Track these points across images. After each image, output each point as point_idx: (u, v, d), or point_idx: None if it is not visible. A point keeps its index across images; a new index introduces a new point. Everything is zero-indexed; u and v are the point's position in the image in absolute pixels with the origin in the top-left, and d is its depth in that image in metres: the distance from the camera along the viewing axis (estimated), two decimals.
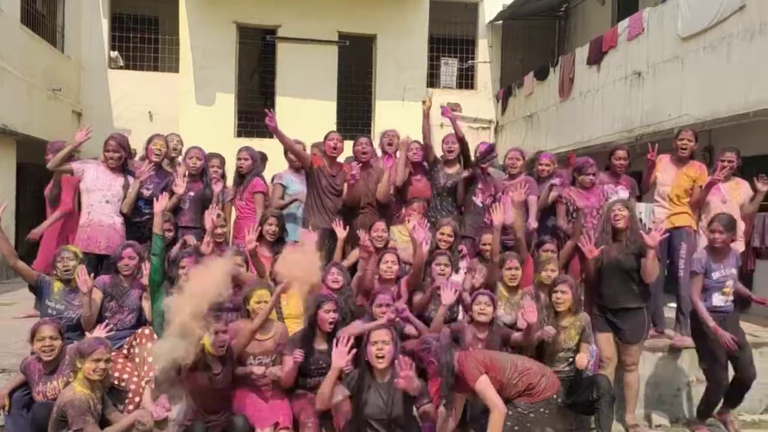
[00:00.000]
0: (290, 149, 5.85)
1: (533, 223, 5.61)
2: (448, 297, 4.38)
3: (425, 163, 6.16)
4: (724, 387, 4.93)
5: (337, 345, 3.82)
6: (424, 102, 5.92)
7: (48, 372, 3.97)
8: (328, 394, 3.71)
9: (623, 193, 5.86)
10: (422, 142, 6.04)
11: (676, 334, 5.77)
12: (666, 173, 5.89)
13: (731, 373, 5.00)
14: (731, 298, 4.87)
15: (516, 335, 4.50)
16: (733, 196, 5.83)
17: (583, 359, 4.51)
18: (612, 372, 5.01)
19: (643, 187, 6.19)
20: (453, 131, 5.96)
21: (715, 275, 4.83)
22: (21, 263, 4.64)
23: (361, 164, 5.80)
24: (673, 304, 6.30)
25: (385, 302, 4.35)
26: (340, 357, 3.72)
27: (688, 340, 5.73)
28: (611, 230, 5.02)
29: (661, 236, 4.83)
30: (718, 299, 4.85)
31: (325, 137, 5.92)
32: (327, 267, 4.93)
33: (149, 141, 5.86)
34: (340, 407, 3.94)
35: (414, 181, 6.08)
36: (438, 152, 6.18)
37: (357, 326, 4.35)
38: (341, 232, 5.41)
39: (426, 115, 5.90)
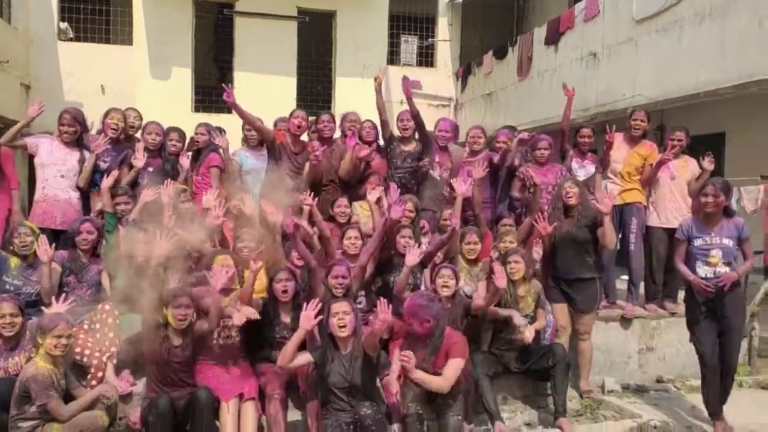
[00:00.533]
0: (251, 125, 5.81)
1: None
2: (411, 258, 4.49)
3: (381, 141, 6.19)
4: (712, 368, 4.66)
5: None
6: (376, 78, 5.92)
7: (9, 348, 3.91)
8: (290, 353, 3.73)
9: (590, 168, 6.08)
10: (379, 119, 6.04)
11: (627, 304, 6.02)
12: (618, 151, 6.11)
13: None
14: (722, 269, 4.52)
15: (477, 301, 4.66)
16: (681, 173, 6.07)
17: (527, 336, 4.61)
18: (566, 341, 5.22)
19: (601, 165, 6.37)
20: (407, 109, 6.03)
21: (697, 242, 4.60)
22: None
23: (323, 143, 5.81)
24: (625, 277, 6.58)
25: (341, 274, 4.39)
26: (307, 320, 3.76)
27: (639, 310, 6.02)
28: (563, 206, 5.19)
29: (610, 200, 5.07)
30: (702, 269, 4.58)
31: (290, 115, 5.90)
32: (288, 244, 4.96)
33: (106, 115, 5.72)
34: (305, 376, 4.01)
35: (373, 162, 6.08)
36: (394, 129, 6.22)
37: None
38: (308, 203, 5.33)
39: (378, 91, 5.91)
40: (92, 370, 4.18)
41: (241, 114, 5.59)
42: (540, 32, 11.51)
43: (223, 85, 5.58)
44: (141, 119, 6.13)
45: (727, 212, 4.64)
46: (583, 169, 6.03)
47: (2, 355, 3.90)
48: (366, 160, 5.88)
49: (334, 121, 6.15)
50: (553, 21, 11.06)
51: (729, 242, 4.56)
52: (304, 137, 6.11)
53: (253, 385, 4.08)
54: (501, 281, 4.38)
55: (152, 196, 5.07)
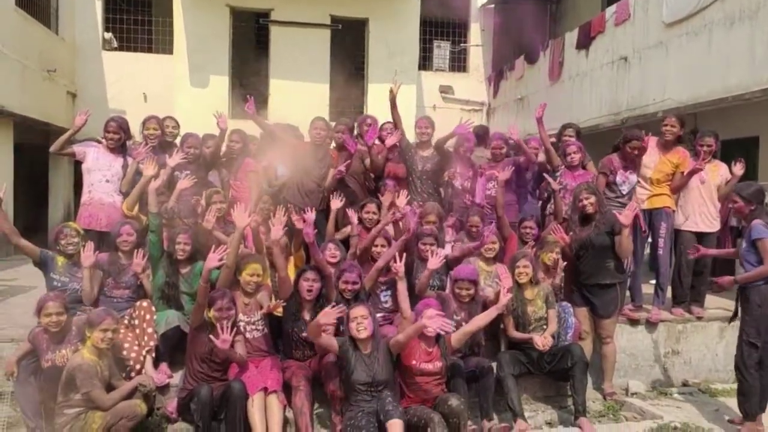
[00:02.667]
0: (269, 133, 6.01)
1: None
2: (433, 263, 4.62)
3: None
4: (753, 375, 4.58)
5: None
6: (390, 90, 5.96)
7: (56, 342, 4.19)
8: (318, 327, 3.97)
9: (633, 178, 5.86)
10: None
11: (653, 308, 6.03)
12: (649, 157, 5.98)
13: None
14: (740, 271, 4.75)
15: (490, 296, 4.90)
16: (711, 177, 6.05)
17: (546, 342, 4.70)
18: (590, 343, 5.29)
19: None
20: (427, 115, 6.16)
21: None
22: (23, 241, 4.82)
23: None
24: (654, 281, 6.61)
25: (351, 280, 4.60)
26: (327, 316, 3.95)
27: (665, 314, 6.04)
28: (580, 215, 5.23)
29: (632, 212, 5.01)
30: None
31: (312, 125, 6.04)
32: (324, 243, 5.17)
33: (144, 123, 6.04)
34: (330, 376, 4.19)
35: (390, 163, 6.24)
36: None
37: None
38: (336, 204, 5.54)
39: (394, 104, 5.99)
40: (131, 363, 4.44)
41: (261, 125, 5.80)
42: (571, 36, 11.55)
43: (247, 96, 5.79)
44: (178, 127, 6.37)
45: (750, 216, 4.64)
46: (626, 183, 5.84)
47: (50, 349, 4.18)
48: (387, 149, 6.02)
49: (353, 129, 6.31)
50: (585, 25, 11.09)
51: (743, 244, 4.65)
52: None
53: (276, 379, 4.27)
54: (506, 282, 4.59)
55: (188, 183, 5.37)
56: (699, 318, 6.06)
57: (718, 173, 6.11)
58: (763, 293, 4.53)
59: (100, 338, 3.97)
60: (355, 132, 6.61)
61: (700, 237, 6.02)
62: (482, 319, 4.44)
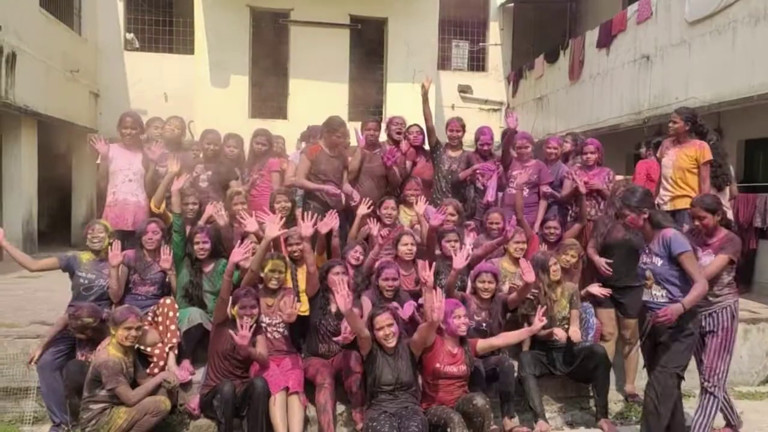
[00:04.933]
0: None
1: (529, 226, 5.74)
2: (459, 262, 4.57)
3: (426, 146, 6.33)
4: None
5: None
6: (422, 86, 6.02)
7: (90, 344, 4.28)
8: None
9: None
10: (425, 126, 6.19)
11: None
12: (666, 156, 5.85)
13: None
14: (658, 293, 4.00)
15: (512, 296, 4.81)
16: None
17: (576, 333, 4.76)
18: (613, 344, 5.25)
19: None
20: (460, 116, 6.19)
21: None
22: (40, 263, 4.85)
23: (369, 149, 6.05)
24: None
25: (390, 276, 4.59)
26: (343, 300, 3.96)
27: None
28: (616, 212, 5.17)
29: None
30: (645, 292, 4.16)
31: (332, 132, 5.77)
32: (350, 243, 5.21)
33: (147, 125, 6.09)
34: (352, 373, 4.22)
35: (416, 163, 6.26)
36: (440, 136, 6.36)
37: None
38: (362, 210, 5.51)
39: (425, 99, 6.03)
40: (155, 359, 4.49)
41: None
42: (592, 35, 11.46)
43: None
44: (183, 128, 6.35)
45: (655, 223, 4.06)
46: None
47: (85, 349, 4.26)
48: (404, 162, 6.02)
49: (379, 129, 6.30)
50: (606, 23, 11.00)
51: (658, 261, 3.99)
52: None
53: (298, 379, 4.31)
54: (529, 276, 4.51)
55: (179, 185, 5.29)
56: None
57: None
58: (697, 317, 3.94)
59: (124, 336, 4.02)
60: (384, 131, 6.59)
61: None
62: (513, 337, 4.48)
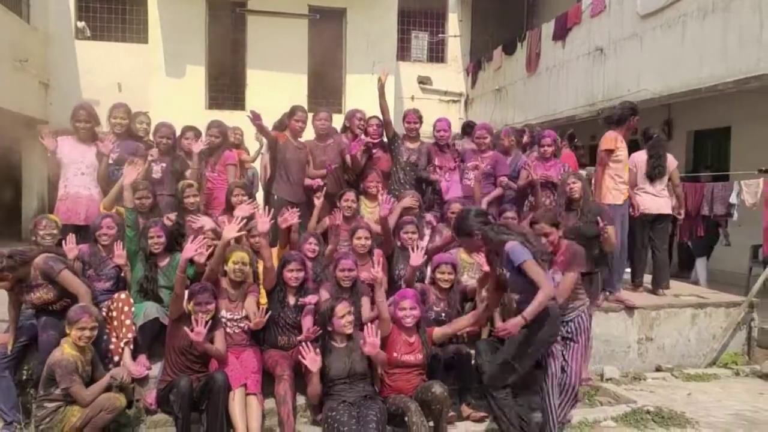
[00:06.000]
0: (265, 136, 6.03)
1: (483, 205, 5.84)
2: (416, 259, 4.66)
3: (384, 139, 6.36)
4: None
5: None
6: (379, 79, 6.01)
7: None
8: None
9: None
10: (382, 118, 6.20)
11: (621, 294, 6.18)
12: (624, 150, 6.02)
13: None
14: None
15: (472, 285, 4.93)
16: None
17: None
18: None
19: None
20: (416, 107, 6.24)
21: None
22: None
23: (319, 140, 6.10)
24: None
25: (347, 267, 4.63)
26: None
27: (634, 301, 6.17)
28: (566, 201, 5.33)
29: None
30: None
31: (293, 117, 6.01)
32: (304, 236, 5.19)
33: (111, 111, 5.83)
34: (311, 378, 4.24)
35: (374, 157, 6.27)
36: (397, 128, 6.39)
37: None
38: (318, 203, 5.64)
39: (382, 93, 6.04)
40: (109, 355, 4.41)
41: (262, 130, 5.80)
42: (548, 27, 11.64)
43: (252, 111, 5.70)
44: (149, 125, 6.25)
45: (493, 241, 4.00)
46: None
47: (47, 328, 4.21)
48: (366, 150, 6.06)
49: (330, 119, 6.27)
50: (561, 16, 11.19)
51: (507, 273, 4.00)
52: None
53: (256, 380, 4.29)
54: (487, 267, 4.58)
55: (131, 179, 5.12)
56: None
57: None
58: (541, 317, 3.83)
59: (78, 336, 3.94)
60: (345, 124, 6.58)
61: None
62: (465, 322, 4.49)
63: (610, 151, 5.91)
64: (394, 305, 4.31)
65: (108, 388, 4.03)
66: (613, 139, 5.95)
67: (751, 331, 6.32)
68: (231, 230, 4.43)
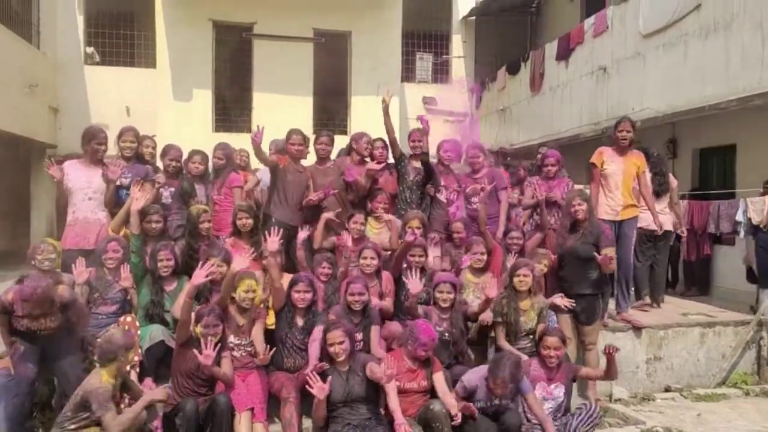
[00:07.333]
0: (263, 161, 6.01)
1: (499, 233, 5.89)
2: (414, 287, 4.67)
3: (391, 159, 6.37)
4: None
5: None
6: (383, 100, 6.05)
7: None
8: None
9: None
10: (388, 138, 6.22)
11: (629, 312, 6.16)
12: (614, 164, 5.96)
13: None
14: None
15: (473, 308, 4.94)
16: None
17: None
18: (573, 350, 5.35)
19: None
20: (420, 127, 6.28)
21: None
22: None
23: (320, 163, 6.15)
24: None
25: (357, 291, 4.62)
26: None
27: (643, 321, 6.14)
28: (570, 222, 5.34)
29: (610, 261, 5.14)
30: None
31: (288, 140, 5.97)
32: (317, 258, 5.20)
33: (119, 137, 5.89)
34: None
35: (380, 179, 6.26)
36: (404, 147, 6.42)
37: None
38: (327, 215, 5.66)
39: (386, 113, 6.07)
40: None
41: (259, 151, 5.78)
42: (551, 48, 11.72)
43: (257, 126, 5.69)
44: (155, 149, 6.31)
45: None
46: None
47: None
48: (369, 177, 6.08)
49: (332, 143, 6.29)
50: (564, 37, 11.27)
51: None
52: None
53: (262, 408, 4.27)
54: (491, 292, 4.69)
55: (139, 206, 5.19)
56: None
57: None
58: None
59: (131, 360, 3.97)
60: (352, 146, 6.58)
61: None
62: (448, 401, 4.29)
63: (594, 165, 5.98)
64: (412, 338, 4.29)
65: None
66: (597, 154, 6.03)
67: (760, 350, 6.26)
68: (240, 262, 4.43)
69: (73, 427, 3.85)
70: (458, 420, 4.10)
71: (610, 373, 4.65)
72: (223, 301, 4.45)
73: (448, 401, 4.21)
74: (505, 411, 4.28)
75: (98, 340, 4.21)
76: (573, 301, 5.25)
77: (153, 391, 4.22)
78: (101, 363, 3.94)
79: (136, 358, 4.51)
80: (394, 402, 4.10)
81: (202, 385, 4.27)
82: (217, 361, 4.19)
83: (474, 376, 4.40)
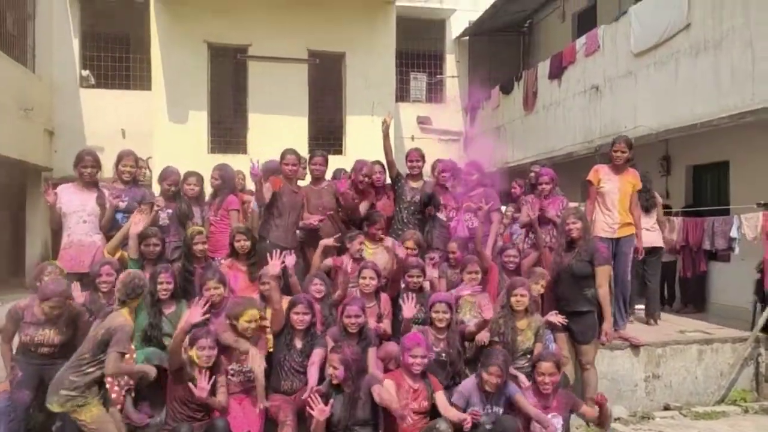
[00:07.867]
0: (260, 201, 5.96)
1: (488, 251, 5.84)
2: (408, 311, 4.73)
3: (388, 180, 6.40)
4: None
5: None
6: (383, 122, 6.09)
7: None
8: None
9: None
10: (386, 160, 6.23)
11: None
12: (610, 183, 6.06)
13: None
14: None
15: (470, 328, 4.91)
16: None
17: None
18: (571, 369, 5.34)
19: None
20: (418, 146, 6.31)
21: None
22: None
23: (315, 184, 6.19)
24: (640, 306, 6.77)
25: (353, 313, 4.60)
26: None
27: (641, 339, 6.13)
28: (566, 240, 5.35)
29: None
30: None
31: (282, 161, 5.96)
32: (309, 277, 5.20)
33: (118, 160, 5.92)
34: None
35: (378, 203, 6.31)
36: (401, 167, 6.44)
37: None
38: (325, 241, 5.66)
39: (386, 134, 6.10)
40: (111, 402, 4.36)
41: (259, 186, 5.75)
42: (544, 67, 11.81)
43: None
44: (150, 170, 6.32)
45: None
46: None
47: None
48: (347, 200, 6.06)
49: (326, 164, 6.31)
50: (556, 56, 11.37)
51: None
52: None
53: (258, 426, 4.26)
54: (487, 314, 4.67)
55: (139, 229, 5.26)
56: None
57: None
58: None
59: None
60: (350, 176, 6.53)
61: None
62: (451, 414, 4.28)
63: (591, 183, 6.10)
64: (404, 351, 4.29)
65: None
66: (594, 172, 6.13)
67: (758, 366, 6.25)
68: (194, 315, 4.24)
69: (92, 369, 3.87)
70: (468, 426, 4.10)
71: (602, 420, 4.60)
72: (173, 363, 4.23)
73: (452, 414, 4.21)
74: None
75: (119, 280, 4.28)
76: (565, 317, 5.24)
77: (146, 366, 4.24)
78: (126, 300, 4.08)
79: (132, 382, 4.48)
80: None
81: (198, 410, 4.23)
82: (212, 386, 4.16)
83: (467, 382, 4.46)
